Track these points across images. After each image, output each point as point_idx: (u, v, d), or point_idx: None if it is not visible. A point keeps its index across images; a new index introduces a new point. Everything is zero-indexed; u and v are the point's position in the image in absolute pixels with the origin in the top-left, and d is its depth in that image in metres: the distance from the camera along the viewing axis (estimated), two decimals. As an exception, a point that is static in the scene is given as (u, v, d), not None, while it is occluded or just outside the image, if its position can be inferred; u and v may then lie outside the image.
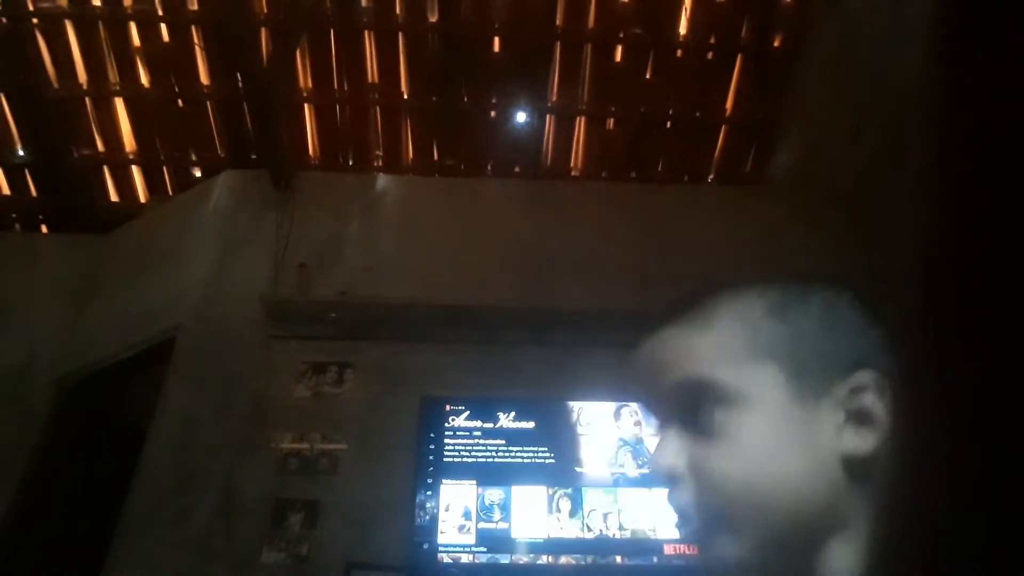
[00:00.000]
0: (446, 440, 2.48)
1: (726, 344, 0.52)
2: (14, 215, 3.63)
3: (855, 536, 0.47)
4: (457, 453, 2.46)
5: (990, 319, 0.15)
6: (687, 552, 2.25)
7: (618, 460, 2.47)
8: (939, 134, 0.17)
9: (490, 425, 2.51)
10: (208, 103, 3.34)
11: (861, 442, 0.47)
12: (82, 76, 3.25)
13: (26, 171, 3.47)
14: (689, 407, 0.52)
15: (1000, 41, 0.15)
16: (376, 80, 3.29)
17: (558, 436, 2.50)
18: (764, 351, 0.51)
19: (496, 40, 3.22)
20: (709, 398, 0.50)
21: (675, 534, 2.20)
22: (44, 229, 3.68)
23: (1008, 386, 0.15)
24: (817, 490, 0.47)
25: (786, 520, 0.47)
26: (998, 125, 0.15)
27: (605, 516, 2.34)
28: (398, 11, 3.14)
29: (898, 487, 0.18)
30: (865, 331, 0.51)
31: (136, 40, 3.22)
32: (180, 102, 3.33)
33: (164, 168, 3.51)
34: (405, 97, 3.32)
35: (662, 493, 0.53)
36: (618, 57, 3.27)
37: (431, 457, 2.44)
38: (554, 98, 3.33)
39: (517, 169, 3.47)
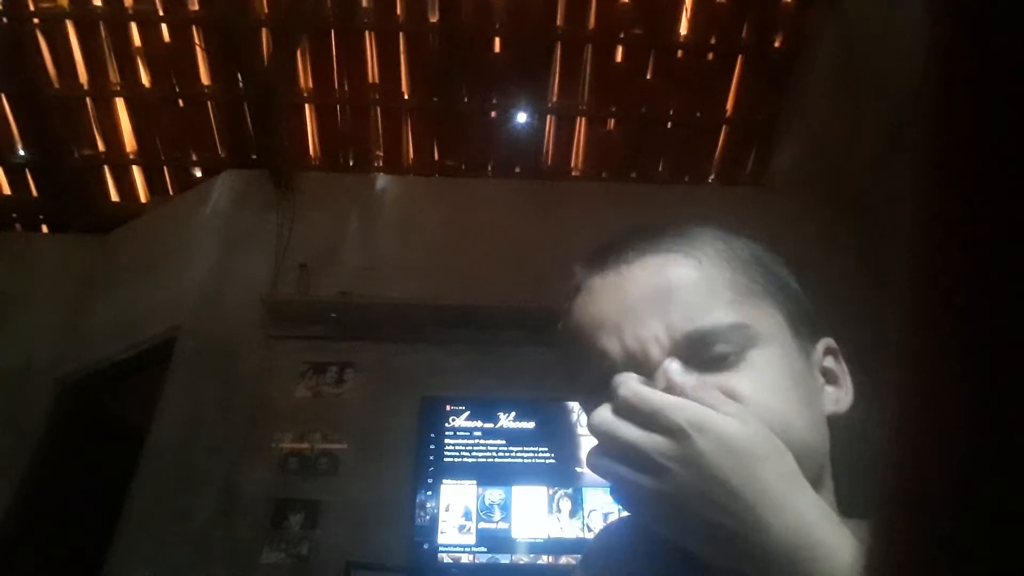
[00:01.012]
0: (446, 440, 2.48)
1: (733, 286, 0.47)
2: (14, 215, 3.63)
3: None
4: (457, 453, 2.46)
5: (990, 320, 0.15)
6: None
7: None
8: (939, 134, 0.17)
9: (490, 425, 2.51)
10: (209, 103, 3.34)
11: (834, 405, 0.49)
12: (83, 76, 3.25)
13: (27, 171, 3.47)
14: (688, 355, 0.45)
15: (1001, 39, 0.15)
16: (377, 80, 3.29)
17: (558, 436, 2.50)
18: (766, 297, 0.48)
19: (496, 40, 3.22)
20: (725, 338, 0.45)
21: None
22: (44, 229, 3.68)
23: (1009, 387, 0.15)
24: (819, 438, 0.46)
25: (801, 460, 0.42)
26: (999, 124, 0.15)
27: (606, 516, 2.34)
28: (399, 11, 3.14)
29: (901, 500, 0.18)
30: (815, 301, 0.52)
31: (137, 40, 3.22)
32: (181, 102, 3.33)
33: (165, 168, 3.51)
34: (406, 97, 3.32)
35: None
36: (618, 57, 3.27)
37: (431, 457, 2.44)
38: (554, 98, 3.33)
39: (517, 169, 3.47)
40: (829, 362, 0.51)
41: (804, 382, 0.47)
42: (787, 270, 0.53)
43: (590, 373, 0.48)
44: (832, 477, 0.49)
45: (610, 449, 0.41)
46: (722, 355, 0.45)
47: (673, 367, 0.44)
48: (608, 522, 0.56)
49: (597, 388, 0.48)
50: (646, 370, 0.45)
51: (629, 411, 0.41)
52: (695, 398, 0.41)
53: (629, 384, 0.42)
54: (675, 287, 0.47)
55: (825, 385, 0.50)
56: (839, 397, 0.50)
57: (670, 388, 0.42)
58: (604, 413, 0.42)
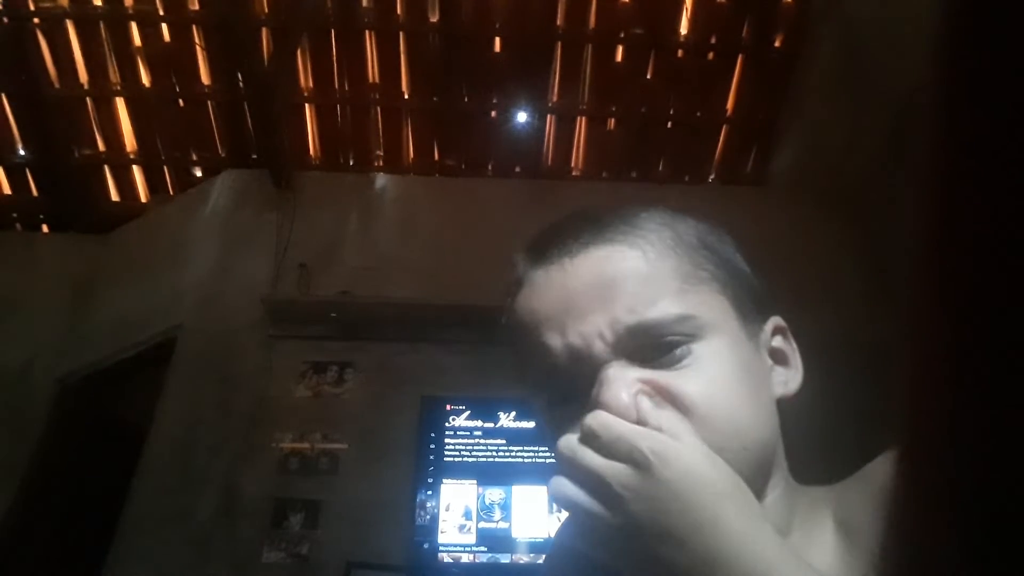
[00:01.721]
0: (446, 440, 2.48)
1: (678, 275, 0.46)
2: (14, 215, 3.63)
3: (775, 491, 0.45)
4: (458, 453, 2.46)
5: (992, 319, 0.15)
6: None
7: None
8: (940, 134, 0.17)
9: (491, 425, 2.51)
10: (209, 103, 3.34)
11: (783, 387, 0.48)
12: (83, 76, 3.25)
13: (27, 171, 3.47)
14: (633, 349, 0.44)
15: (1003, 40, 0.15)
16: (377, 80, 3.29)
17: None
18: (712, 283, 0.47)
19: (497, 40, 3.22)
20: (672, 331, 0.44)
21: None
22: (44, 229, 3.68)
23: (1013, 386, 0.15)
24: (770, 430, 0.46)
25: (754, 458, 0.42)
26: (1000, 124, 0.15)
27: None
28: (399, 11, 3.14)
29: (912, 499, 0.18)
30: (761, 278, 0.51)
31: (137, 40, 3.22)
32: (181, 102, 3.33)
33: (165, 168, 3.51)
34: (406, 97, 3.32)
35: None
36: (619, 57, 3.27)
37: (431, 457, 2.44)
38: (555, 98, 3.33)
39: (518, 169, 3.47)
40: (778, 342, 0.50)
41: (752, 371, 0.46)
42: (734, 249, 0.51)
43: (534, 369, 0.47)
44: (785, 450, 0.49)
45: (571, 475, 0.40)
46: (668, 347, 0.43)
47: (619, 380, 0.42)
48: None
49: (541, 385, 0.47)
50: (590, 366, 0.44)
51: (593, 439, 0.40)
52: (655, 424, 0.40)
53: (596, 413, 0.41)
54: (619, 280, 0.45)
55: (774, 366, 0.49)
56: (788, 378, 0.49)
57: (620, 407, 0.41)
58: (569, 438, 0.41)
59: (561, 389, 0.46)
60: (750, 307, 0.48)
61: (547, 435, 0.47)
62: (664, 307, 0.44)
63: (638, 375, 0.43)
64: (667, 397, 0.42)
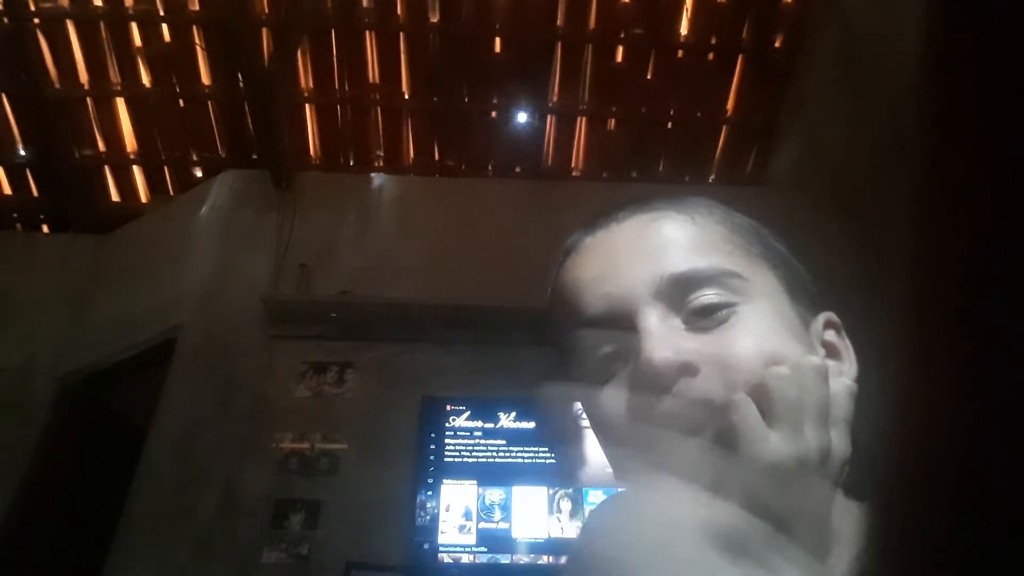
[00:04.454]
0: (447, 440, 2.48)
1: (730, 241, 0.45)
2: (15, 215, 3.63)
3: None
4: (458, 453, 2.46)
5: (990, 317, 0.15)
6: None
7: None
8: (939, 133, 0.17)
9: (491, 425, 2.51)
10: (209, 103, 3.34)
11: (835, 383, 0.44)
12: (83, 76, 3.25)
13: (27, 171, 3.47)
14: (675, 302, 0.42)
15: (1000, 39, 0.15)
16: (377, 80, 3.29)
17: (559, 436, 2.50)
18: (762, 260, 0.46)
19: (497, 40, 3.22)
20: (717, 284, 0.42)
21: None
22: (45, 229, 3.68)
23: (1007, 382, 0.15)
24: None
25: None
26: (998, 123, 0.15)
27: (606, 516, 2.34)
28: (399, 11, 3.14)
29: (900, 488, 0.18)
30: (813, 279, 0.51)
31: (137, 40, 3.22)
32: (181, 102, 3.33)
33: (165, 168, 3.51)
34: (406, 97, 3.32)
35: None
36: (619, 57, 3.27)
37: (432, 457, 2.44)
38: (555, 98, 3.33)
39: (518, 169, 3.47)
40: (831, 336, 0.48)
41: (801, 341, 0.43)
42: (787, 247, 0.51)
43: (569, 332, 0.45)
44: None
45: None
46: (711, 309, 0.41)
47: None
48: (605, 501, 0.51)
49: (575, 351, 0.45)
50: (626, 315, 0.42)
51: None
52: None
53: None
54: (666, 238, 0.44)
55: (826, 358, 0.46)
56: (843, 371, 0.46)
57: (663, 365, 0.39)
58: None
59: (601, 355, 0.43)
60: (801, 295, 0.47)
61: (594, 419, 0.44)
62: (712, 260, 0.43)
63: (682, 343, 0.40)
64: (713, 359, 0.40)
